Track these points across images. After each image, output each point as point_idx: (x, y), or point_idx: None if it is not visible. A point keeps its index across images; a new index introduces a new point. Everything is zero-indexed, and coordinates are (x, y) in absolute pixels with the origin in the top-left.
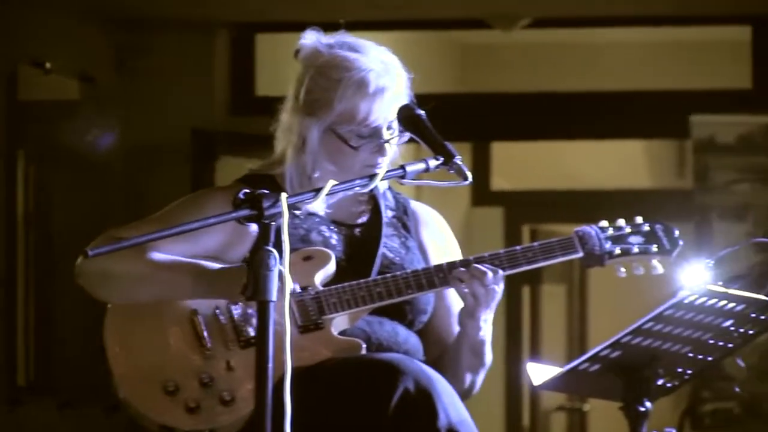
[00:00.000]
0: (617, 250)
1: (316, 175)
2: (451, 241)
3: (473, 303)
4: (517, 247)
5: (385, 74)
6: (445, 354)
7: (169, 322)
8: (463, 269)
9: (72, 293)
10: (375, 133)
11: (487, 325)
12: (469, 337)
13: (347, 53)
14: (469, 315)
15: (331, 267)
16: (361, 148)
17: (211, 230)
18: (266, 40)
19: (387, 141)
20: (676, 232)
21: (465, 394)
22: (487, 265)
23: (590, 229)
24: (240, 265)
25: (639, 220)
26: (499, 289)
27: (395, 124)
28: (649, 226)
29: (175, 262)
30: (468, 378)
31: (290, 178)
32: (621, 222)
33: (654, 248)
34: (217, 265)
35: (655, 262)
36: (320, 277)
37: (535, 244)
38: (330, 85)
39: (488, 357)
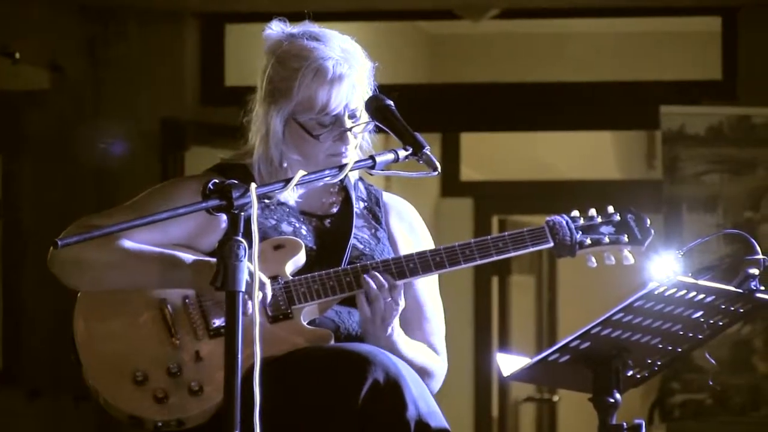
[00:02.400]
0: (588, 240)
1: (284, 165)
2: (423, 233)
3: (368, 312)
4: (488, 237)
5: (344, 62)
6: None
7: (139, 311)
8: (368, 278)
9: (41, 282)
10: (336, 122)
11: (392, 332)
12: (372, 337)
13: (307, 42)
14: (370, 322)
15: (301, 257)
16: (322, 136)
17: (182, 219)
18: (236, 30)
19: (349, 129)
20: (648, 221)
21: None
22: (386, 277)
23: (561, 219)
24: (212, 259)
25: (610, 209)
26: (399, 305)
27: (359, 113)
28: (621, 215)
29: (146, 250)
30: None
31: (258, 169)
32: (592, 212)
33: (625, 238)
34: (189, 256)
35: (626, 252)
36: (290, 266)
37: (506, 234)
38: (289, 74)
39: (424, 361)
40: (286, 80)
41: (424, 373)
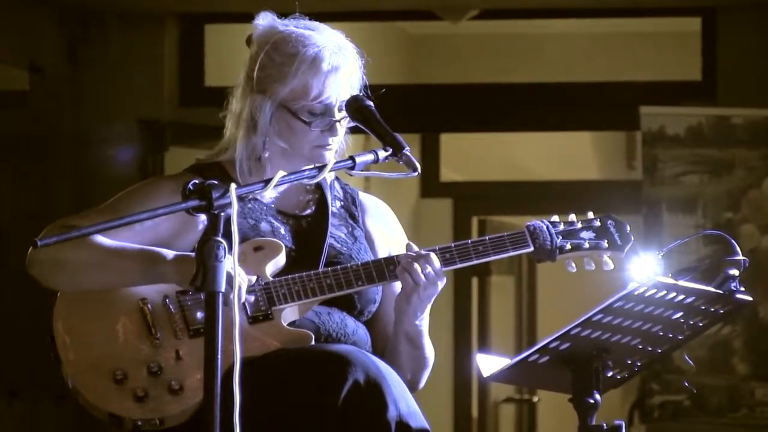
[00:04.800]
0: (568, 246)
1: (265, 155)
2: (399, 232)
3: (412, 288)
4: (468, 241)
5: (339, 53)
6: (386, 346)
7: (119, 310)
8: (411, 253)
9: (20, 283)
10: (327, 111)
11: (422, 315)
12: (405, 325)
13: (303, 30)
14: (405, 300)
15: (281, 258)
16: (312, 124)
17: (160, 219)
18: (215, 31)
19: (338, 120)
20: (627, 228)
21: (408, 389)
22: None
23: (541, 224)
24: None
25: (590, 215)
26: (440, 283)
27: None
28: (600, 221)
29: (126, 247)
30: (408, 371)
31: (240, 161)
32: (572, 217)
33: (605, 244)
34: (170, 252)
35: (606, 257)
36: (271, 267)
37: (486, 238)
38: (285, 59)
39: (429, 351)
40: (281, 66)
41: (427, 363)
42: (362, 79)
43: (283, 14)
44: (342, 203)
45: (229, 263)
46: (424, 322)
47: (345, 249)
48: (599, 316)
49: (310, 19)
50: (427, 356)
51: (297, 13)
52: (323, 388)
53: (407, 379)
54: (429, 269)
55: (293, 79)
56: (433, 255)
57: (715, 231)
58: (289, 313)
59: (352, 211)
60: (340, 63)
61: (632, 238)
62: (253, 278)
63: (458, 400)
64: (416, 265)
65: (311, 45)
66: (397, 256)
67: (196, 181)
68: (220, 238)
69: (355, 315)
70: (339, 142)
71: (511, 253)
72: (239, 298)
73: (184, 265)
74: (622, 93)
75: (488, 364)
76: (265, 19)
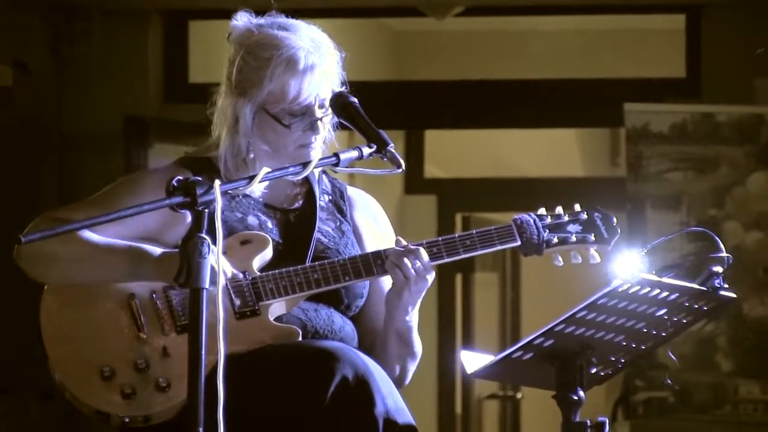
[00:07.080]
0: (555, 239)
1: (251, 156)
2: (387, 226)
3: (402, 283)
4: (455, 235)
5: (315, 51)
6: (374, 342)
7: (106, 305)
8: (400, 248)
9: (5, 280)
10: (307, 111)
11: (413, 311)
12: (395, 321)
13: (277, 32)
14: (396, 295)
15: (268, 252)
16: (293, 126)
17: (147, 213)
18: (199, 27)
19: (319, 119)
20: (614, 221)
21: (395, 384)
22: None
23: (528, 218)
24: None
25: (577, 208)
26: (430, 278)
27: (327, 103)
28: (587, 214)
29: (113, 243)
30: (397, 367)
31: (224, 161)
32: (559, 210)
33: (592, 237)
34: (157, 249)
35: (593, 251)
36: (258, 262)
37: (474, 231)
38: (260, 64)
39: (417, 346)
40: (256, 70)
41: (415, 359)
42: (341, 74)
43: (267, 11)
44: (330, 197)
45: (214, 259)
46: (413, 317)
47: (332, 244)
48: (583, 312)
49: (287, 17)
50: (416, 351)
51: (273, 11)
52: (311, 384)
53: (395, 374)
54: (418, 263)
55: (270, 83)
56: (422, 249)
57: (699, 228)
58: (276, 308)
59: (340, 206)
60: (316, 61)
61: (619, 231)
62: (240, 275)
63: (442, 396)
64: (406, 260)
65: (285, 47)
66: (385, 250)
67: (180, 178)
68: (203, 235)
69: (342, 310)
70: (323, 139)
71: (498, 247)
72: (223, 294)
73: (169, 262)
74: (607, 90)
75: (472, 360)
76: (241, 20)
